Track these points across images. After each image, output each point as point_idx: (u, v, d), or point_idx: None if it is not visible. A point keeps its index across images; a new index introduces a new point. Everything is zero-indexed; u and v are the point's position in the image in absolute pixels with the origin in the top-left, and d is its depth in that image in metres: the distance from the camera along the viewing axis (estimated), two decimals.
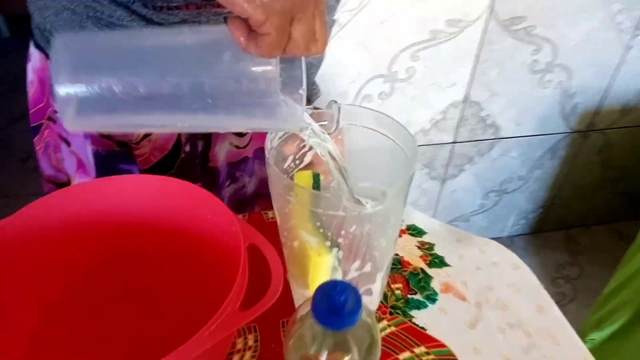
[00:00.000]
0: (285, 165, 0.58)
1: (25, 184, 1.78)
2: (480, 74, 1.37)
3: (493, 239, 0.73)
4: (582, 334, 1.53)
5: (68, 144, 0.73)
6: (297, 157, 0.58)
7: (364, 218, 0.46)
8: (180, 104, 0.35)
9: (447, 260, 0.70)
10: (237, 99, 0.35)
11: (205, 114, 0.37)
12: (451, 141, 1.52)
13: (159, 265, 0.57)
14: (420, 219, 0.76)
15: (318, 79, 0.79)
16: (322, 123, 0.52)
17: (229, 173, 0.82)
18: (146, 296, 0.57)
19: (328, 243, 0.48)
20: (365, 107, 0.55)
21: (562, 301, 1.68)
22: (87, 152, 0.72)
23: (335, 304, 0.32)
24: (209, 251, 0.54)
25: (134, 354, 0.51)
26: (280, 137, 0.54)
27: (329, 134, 0.49)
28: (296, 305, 0.59)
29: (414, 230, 0.74)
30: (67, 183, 0.80)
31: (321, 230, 0.48)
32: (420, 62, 1.31)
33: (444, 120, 1.45)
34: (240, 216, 0.69)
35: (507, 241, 1.84)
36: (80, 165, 0.75)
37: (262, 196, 0.88)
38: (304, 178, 0.52)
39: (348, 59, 1.25)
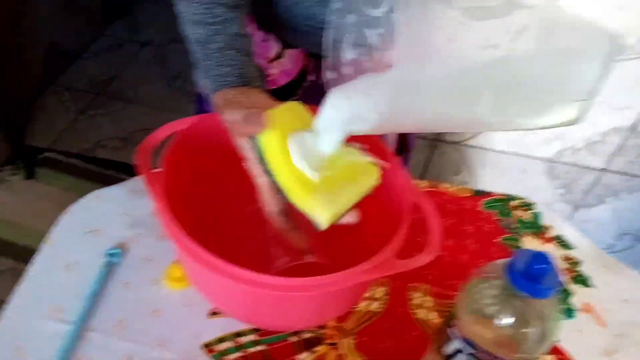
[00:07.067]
0: None
1: (169, 99, 1.96)
2: None
3: None
4: None
5: None
6: None
7: None
8: None
9: (592, 282, 0.65)
10: None
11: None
12: (601, 168, 1.39)
13: None
14: (569, 233, 0.71)
15: None
16: None
17: None
18: None
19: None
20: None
21: None
22: None
23: (536, 270, 0.31)
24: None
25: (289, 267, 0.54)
26: None
27: None
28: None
29: (561, 242, 0.70)
30: None
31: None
32: None
33: (601, 143, 1.33)
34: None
35: None
36: None
37: None
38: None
39: None
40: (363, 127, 0.43)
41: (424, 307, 0.58)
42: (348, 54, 0.48)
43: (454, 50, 0.39)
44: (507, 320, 0.32)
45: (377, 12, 0.45)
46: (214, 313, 0.54)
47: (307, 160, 0.42)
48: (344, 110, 0.43)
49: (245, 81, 0.49)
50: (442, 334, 0.41)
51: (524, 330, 0.32)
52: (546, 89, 0.41)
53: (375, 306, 0.57)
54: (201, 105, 0.88)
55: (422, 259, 0.44)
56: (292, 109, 0.46)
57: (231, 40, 0.50)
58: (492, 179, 1.47)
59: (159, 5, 2.42)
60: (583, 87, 0.42)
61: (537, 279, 0.31)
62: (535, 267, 0.30)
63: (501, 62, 0.39)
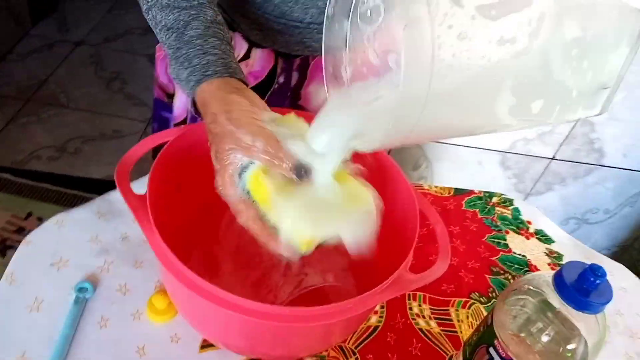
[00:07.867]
0: None
1: (108, 103, 1.83)
2: None
3: None
4: None
5: None
6: None
7: None
8: None
9: None
10: None
11: None
12: (550, 157, 1.45)
13: None
14: (548, 227, 0.72)
15: None
16: None
17: None
18: None
19: None
20: None
21: None
22: None
23: (591, 284, 0.29)
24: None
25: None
26: None
27: None
28: None
29: (542, 236, 0.71)
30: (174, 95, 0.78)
31: None
32: None
33: (551, 133, 1.38)
34: None
35: None
36: None
37: None
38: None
39: None
40: (366, 145, 0.40)
41: (423, 316, 0.56)
42: (346, 60, 0.45)
43: (466, 50, 0.36)
44: (552, 337, 0.31)
45: (373, 26, 0.42)
46: (205, 346, 0.49)
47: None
48: (346, 127, 0.40)
49: (231, 72, 0.44)
50: (478, 354, 0.39)
51: (570, 347, 0.30)
52: (571, 79, 0.39)
53: (374, 320, 0.55)
54: (158, 110, 0.81)
55: (438, 270, 0.42)
56: (287, 121, 0.43)
57: (210, 27, 0.46)
58: (449, 172, 1.50)
59: (90, 1, 2.26)
60: (610, 74, 0.40)
61: (589, 293, 0.29)
62: (591, 280, 0.29)
63: (520, 56, 0.37)
